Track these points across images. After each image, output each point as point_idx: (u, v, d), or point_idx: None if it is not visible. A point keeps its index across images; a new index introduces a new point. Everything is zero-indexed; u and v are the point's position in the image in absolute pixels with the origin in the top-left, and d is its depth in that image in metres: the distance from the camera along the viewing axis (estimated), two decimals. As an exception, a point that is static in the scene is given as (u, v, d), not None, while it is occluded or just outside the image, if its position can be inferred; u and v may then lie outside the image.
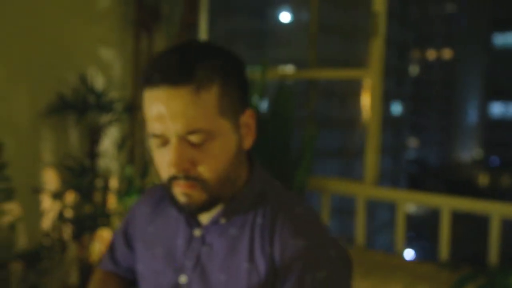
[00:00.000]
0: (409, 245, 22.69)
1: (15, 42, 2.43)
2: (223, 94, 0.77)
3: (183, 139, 0.76)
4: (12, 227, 2.42)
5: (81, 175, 2.54)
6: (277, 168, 2.55)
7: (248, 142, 0.84)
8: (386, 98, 27.17)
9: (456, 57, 37.13)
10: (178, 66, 0.75)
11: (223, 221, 0.87)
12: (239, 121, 0.81)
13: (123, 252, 1.05)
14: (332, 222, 2.80)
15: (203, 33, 3.26)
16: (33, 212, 2.55)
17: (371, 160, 2.56)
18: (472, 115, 37.10)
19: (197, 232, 0.90)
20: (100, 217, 2.56)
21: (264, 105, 2.74)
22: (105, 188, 2.65)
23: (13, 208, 2.41)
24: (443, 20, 37.00)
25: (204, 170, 0.78)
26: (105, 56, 2.78)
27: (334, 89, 18.31)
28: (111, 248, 1.09)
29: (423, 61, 37.70)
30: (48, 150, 2.62)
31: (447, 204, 2.33)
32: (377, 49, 2.50)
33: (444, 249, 2.37)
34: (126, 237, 1.05)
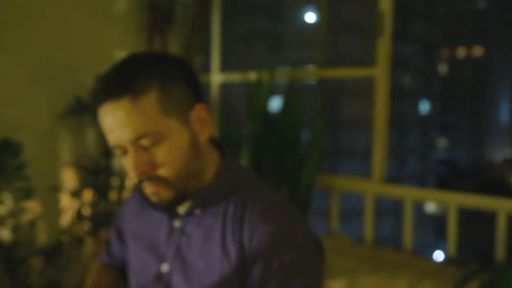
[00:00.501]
0: (438, 247, 22.27)
1: (35, 47, 2.56)
2: (163, 97, 0.83)
3: (136, 145, 0.83)
4: (32, 224, 2.53)
5: (97, 174, 2.64)
6: (286, 166, 2.59)
7: (204, 135, 0.89)
8: (414, 97, 26.77)
9: (487, 54, 36.29)
10: (115, 80, 0.82)
11: (198, 212, 0.93)
12: (189, 117, 0.87)
13: (116, 246, 1.13)
14: (344, 225, 2.81)
15: (215, 35, 3.34)
16: (52, 210, 2.66)
17: (378, 157, 2.58)
18: (503, 114, 36.18)
19: (176, 224, 0.96)
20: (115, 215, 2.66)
21: (275, 105, 2.79)
22: (121, 187, 2.75)
23: (33, 206, 2.53)
24: (473, 17, 36.22)
25: (163, 169, 0.85)
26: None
27: (361, 88, 18.14)
28: (107, 242, 1.17)
29: (453, 59, 36.98)
30: (66, 150, 2.74)
31: (454, 201, 2.33)
32: (384, 47, 2.52)
33: (451, 246, 2.37)
34: (118, 231, 1.12)
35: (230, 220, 0.91)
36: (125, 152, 0.85)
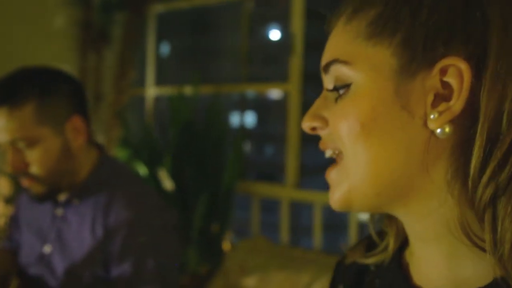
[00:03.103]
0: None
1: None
2: (40, 108, 1.04)
3: (13, 146, 1.04)
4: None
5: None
6: (207, 173, 2.82)
7: (78, 142, 1.11)
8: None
9: None
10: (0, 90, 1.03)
11: (76, 202, 1.15)
12: (64, 126, 1.08)
13: (14, 232, 1.32)
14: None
15: (150, 51, 3.55)
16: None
17: (292, 166, 2.84)
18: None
19: (59, 212, 1.17)
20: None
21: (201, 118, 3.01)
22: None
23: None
24: None
25: (35, 168, 1.06)
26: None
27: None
28: (10, 229, 1.36)
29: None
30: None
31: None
32: (295, 65, 2.80)
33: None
34: (15, 220, 1.32)
35: (101, 208, 1.12)
36: (5, 150, 1.06)
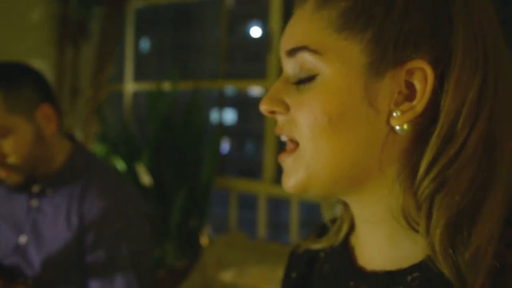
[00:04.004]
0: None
1: None
2: (8, 98, 1.06)
3: None
4: None
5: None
6: (187, 168, 2.84)
7: (50, 129, 1.13)
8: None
9: None
10: None
11: (51, 192, 1.16)
12: (34, 114, 1.10)
13: None
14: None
15: (129, 46, 3.54)
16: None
17: (270, 160, 2.87)
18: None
19: (34, 203, 1.18)
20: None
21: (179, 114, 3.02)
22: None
23: None
24: None
25: (11, 158, 1.08)
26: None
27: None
28: None
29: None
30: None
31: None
32: (274, 63, 2.83)
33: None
34: None
35: (76, 198, 1.14)
36: None
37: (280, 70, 2.47)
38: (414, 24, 0.48)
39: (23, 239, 1.17)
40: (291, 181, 0.54)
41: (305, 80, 0.52)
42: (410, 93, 0.50)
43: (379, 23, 0.49)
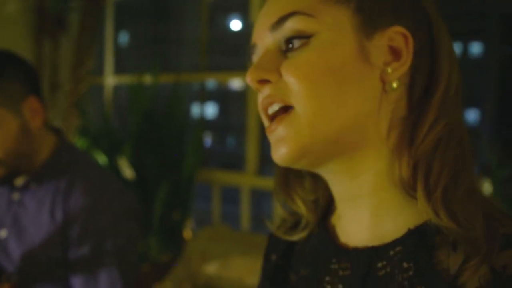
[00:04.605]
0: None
1: None
2: None
3: None
4: None
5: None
6: (169, 161, 2.82)
7: (36, 122, 1.11)
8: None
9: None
10: None
11: (34, 186, 1.14)
12: (20, 107, 1.08)
13: None
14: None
15: (109, 39, 3.50)
16: None
17: (252, 152, 2.88)
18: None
19: (15, 196, 1.16)
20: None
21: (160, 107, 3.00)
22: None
23: None
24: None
25: None
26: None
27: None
28: None
29: None
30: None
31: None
32: (255, 55, 2.83)
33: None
34: None
35: (61, 193, 1.12)
36: None
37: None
38: None
39: (3, 233, 1.15)
40: (287, 147, 0.54)
41: (296, 42, 0.54)
42: (395, 55, 0.55)
43: None
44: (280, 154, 0.55)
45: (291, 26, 0.54)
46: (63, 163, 1.16)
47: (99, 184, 1.14)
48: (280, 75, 0.54)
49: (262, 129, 2.92)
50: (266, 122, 0.57)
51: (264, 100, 0.56)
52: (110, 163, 2.81)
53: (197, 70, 3.30)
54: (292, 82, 0.53)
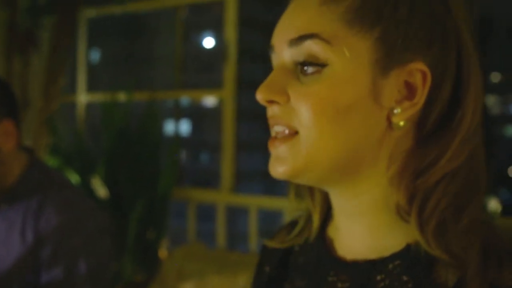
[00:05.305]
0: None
1: None
2: None
3: None
4: None
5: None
6: (145, 179, 2.79)
7: (8, 146, 1.08)
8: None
9: None
10: None
11: (4, 206, 1.11)
12: None
13: None
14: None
15: (81, 56, 3.47)
16: None
17: (227, 169, 2.87)
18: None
19: (-15, 217, 1.13)
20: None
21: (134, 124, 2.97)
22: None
23: None
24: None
25: None
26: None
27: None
28: None
29: None
30: None
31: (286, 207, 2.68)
32: (229, 72, 2.84)
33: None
34: None
35: (31, 213, 1.10)
36: None
37: (237, 80, 2.48)
38: (417, 28, 0.52)
39: (-27, 256, 1.11)
40: (285, 167, 0.54)
41: (310, 68, 0.53)
42: (408, 93, 0.52)
43: (386, 22, 0.51)
44: (275, 171, 0.56)
45: (308, 48, 0.52)
46: (34, 182, 1.13)
47: (71, 203, 1.12)
48: (289, 98, 0.54)
49: (237, 147, 2.93)
50: (271, 133, 0.58)
51: (270, 119, 0.57)
52: (82, 182, 2.76)
53: (170, 87, 3.30)
54: (299, 109, 0.53)
